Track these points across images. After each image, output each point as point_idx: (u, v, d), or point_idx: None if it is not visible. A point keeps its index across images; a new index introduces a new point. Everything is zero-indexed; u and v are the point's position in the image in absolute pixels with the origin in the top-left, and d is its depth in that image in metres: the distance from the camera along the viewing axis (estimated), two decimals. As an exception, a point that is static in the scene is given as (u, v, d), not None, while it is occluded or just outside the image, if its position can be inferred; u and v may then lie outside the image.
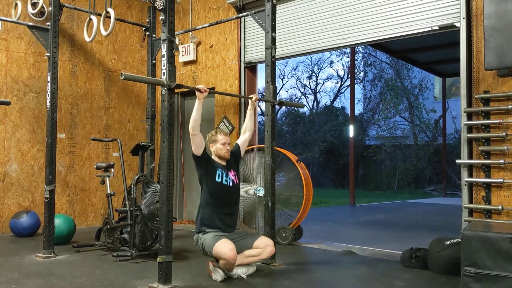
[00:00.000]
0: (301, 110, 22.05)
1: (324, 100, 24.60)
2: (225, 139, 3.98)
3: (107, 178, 5.17)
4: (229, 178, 3.95)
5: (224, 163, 4.00)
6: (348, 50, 17.02)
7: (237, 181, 4.05)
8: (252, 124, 4.32)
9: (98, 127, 6.98)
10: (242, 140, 4.26)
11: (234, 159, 4.13)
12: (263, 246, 3.87)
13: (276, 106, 4.87)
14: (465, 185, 4.65)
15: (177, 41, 6.77)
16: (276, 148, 4.71)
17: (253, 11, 4.78)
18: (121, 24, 7.14)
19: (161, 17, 3.66)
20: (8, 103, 4.30)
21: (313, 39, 6.01)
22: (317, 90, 23.82)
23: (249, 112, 4.34)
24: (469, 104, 4.67)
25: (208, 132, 4.11)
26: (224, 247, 3.61)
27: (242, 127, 4.38)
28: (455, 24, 4.84)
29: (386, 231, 7.07)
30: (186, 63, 7.39)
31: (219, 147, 3.96)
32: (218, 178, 3.87)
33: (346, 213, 10.40)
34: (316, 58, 23.08)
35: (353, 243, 5.61)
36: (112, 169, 5.24)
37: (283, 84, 23.85)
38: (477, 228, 3.47)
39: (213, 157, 4.00)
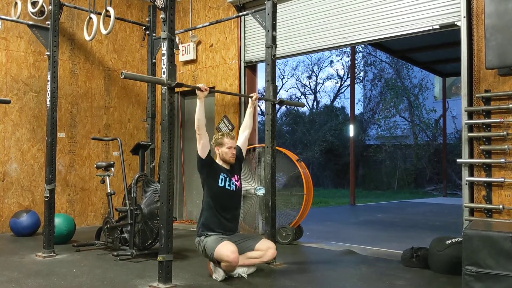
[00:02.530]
0: (301, 110, 22.05)
1: (324, 100, 24.62)
2: (232, 143, 3.94)
3: (107, 177, 5.17)
4: (232, 183, 3.93)
5: (228, 167, 3.98)
6: (348, 49, 17.01)
7: (240, 185, 4.04)
8: (252, 122, 4.30)
9: (98, 127, 6.97)
10: (242, 139, 4.22)
11: (238, 162, 4.10)
12: (265, 248, 3.86)
13: (277, 106, 4.86)
14: (466, 184, 4.64)
15: (177, 40, 6.75)
16: (276, 147, 4.70)
17: (254, 10, 4.77)
18: (121, 23, 7.14)
19: (161, 16, 3.65)
20: (8, 102, 4.29)
21: (313, 38, 6.00)
22: (317, 90, 23.84)
23: (249, 110, 4.33)
24: (470, 103, 4.66)
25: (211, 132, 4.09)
26: (226, 249, 3.60)
27: (242, 125, 4.34)
28: (455, 23, 4.83)
29: (387, 231, 7.06)
30: (186, 63, 7.38)
31: (225, 151, 3.93)
32: (221, 182, 3.85)
33: (346, 213, 10.40)
34: (316, 57, 23.11)
35: (353, 242, 5.60)
36: (112, 168, 5.23)
37: (283, 84, 23.86)
38: (478, 227, 3.46)
39: (217, 160, 3.98)
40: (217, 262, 3.72)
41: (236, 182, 3.97)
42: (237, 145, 4.13)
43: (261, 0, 5.27)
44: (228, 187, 3.89)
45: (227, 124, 6.68)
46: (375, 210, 10.56)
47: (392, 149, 18.88)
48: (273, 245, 3.94)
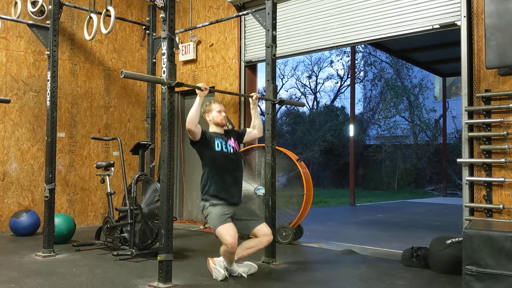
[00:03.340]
0: (301, 109, 22.05)
1: (324, 99, 24.64)
2: (220, 107, 3.99)
3: (107, 177, 5.16)
4: (229, 145, 3.92)
5: (222, 131, 3.99)
6: (348, 49, 17.02)
7: (238, 148, 4.02)
8: (260, 123, 4.25)
9: (98, 126, 6.96)
10: (251, 130, 4.23)
11: (237, 134, 4.12)
12: (262, 235, 3.83)
13: (277, 105, 4.86)
14: (466, 184, 4.64)
15: (177, 39, 6.74)
16: (276, 147, 4.70)
17: (254, 10, 4.76)
18: (121, 23, 7.13)
19: (161, 15, 3.65)
20: (8, 101, 4.29)
21: (313, 38, 6.00)
22: (317, 90, 23.84)
23: (252, 111, 4.31)
24: (470, 102, 4.66)
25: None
26: (227, 234, 3.58)
27: (251, 125, 4.31)
28: (456, 22, 4.83)
29: (387, 231, 7.06)
30: (186, 62, 7.38)
31: (215, 115, 3.96)
32: (218, 147, 3.84)
33: (346, 213, 10.39)
34: (316, 57, 23.12)
35: (353, 242, 5.60)
36: (112, 168, 5.23)
37: (283, 84, 23.87)
38: (478, 226, 3.46)
39: (210, 128, 3.99)
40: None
41: (233, 145, 3.96)
42: (245, 128, 4.21)
43: (261, 0, 5.27)
44: (226, 150, 3.88)
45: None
46: (375, 210, 10.55)
47: (392, 149, 18.87)
48: (270, 232, 3.90)
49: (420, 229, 7.22)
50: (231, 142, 3.95)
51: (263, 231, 3.85)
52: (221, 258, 3.78)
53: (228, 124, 4.08)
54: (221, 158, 3.83)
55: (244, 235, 3.89)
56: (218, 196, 3.77)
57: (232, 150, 3.92)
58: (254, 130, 4.25)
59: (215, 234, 3.71)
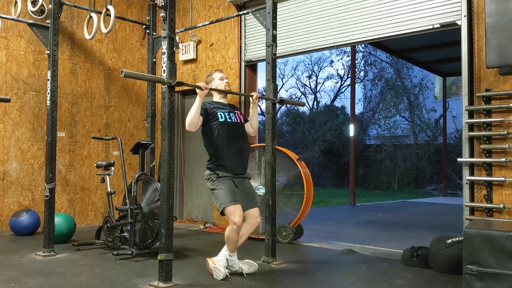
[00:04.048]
0: (301, 109, 22.06)
1: (324, 99, 24.63)
2: (221, 74, 4.03)
3: (107, 177, 5.16)
4: (233, 116, 3.92)
5: (226, 102, 4.01)
6: (348, 49, 17.03)
7: (242, 119, 4.02)
8: (256, 123, 4.24)
9: (98, 126, 6.96)
10: (247, 127, 4.18)
11: (242, 115, 4.12)
12: (250, 217, 3.82)
13: (277, 105, 4.85)
14: (467, 183, 4.64)
15: (177, 39, 6.74)
16: (276, 147, 4.69)
17: (254, 9, 4.76)
18: (121, 22, 7.13)
19: (161, 14, 3.64)
20: (8, 100, 4.29)
21: (313, 37, 5.99)
22: (317, 90, 23.84)
23: (251, 110, 4.30)
24: (471, 102, 4.65)
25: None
26: (235, 213, 3.62)
27: (248, 122, 4.31)
28: (456, 22, 4.82)
29: (387, 230, 7.06)
30: (186, 62, 7.37)
31: (218, 82, 3.98)
32: (221, 118, 3.84)
33: (347, 213, 10.39)
34: (316, 57, 23.12)
35: (354, 242, 5.60)
36: (113, 168, 5.23)
37: (283, 84, 23.87)
38: (479, 226, 3.45)
39: (214, 98, 4.00)
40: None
41: (237, 115, 3.96)
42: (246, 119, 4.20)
43: (262, -1, 5.27)
44: (230, 120, 3.88)
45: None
46: (375, 210, 10.56)
47: (392, 148, 18.87)
48: (258, 214, 3.88)
49: (420, 229, 7.22)
50: (236, 113, 3.97)
51: (253, 214, 3.84)
52: (220, 257, 3.78)
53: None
54: (225, 128, 3.83)
55: None
56: (223, 165, 3.77)
57: (236, 120, 3.93)
58: (250, 129, 4.24)
59: (220, 210, 3.70)
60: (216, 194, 3.75)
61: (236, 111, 4.01)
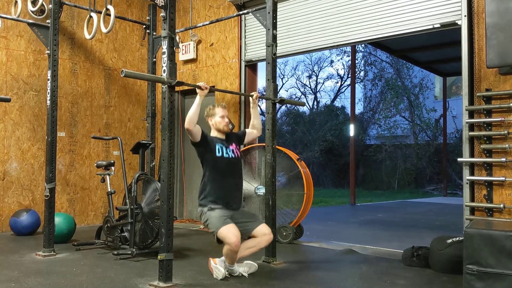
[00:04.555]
0: (301, 109, 22.05)
1: (324, 99, 24.62)
2: (223, 112, 3.96)
3: (108, 176, 5.16)
4: (230, 151, 3.90)
5: (223, 137, 3.97)
6: (348, 49, 17.02)
7: (239, 154, 4.01)
8: (259, 122, 4.26)
9: (98, 126, 6.96)
10: (251, 131, 4.23)
11: (237, 137, 4.11)
12: (261, 235, 3.83)
13: (277, 105, 4.85)
14: (467, 183, 4.63)
15: (177, 38, 6.74)
16: (276, 146, 4.69)
17: (254, 9, 4.76)
18: (121, 22, 7.13)
19: (161, 14, 3.64)
20: (8, 100, 4.29)
21: (313, 37, 5.99)
22: (317, 90, 23.84)
23: (252, 110, 4.31)
24: (471, 102, 4.65)
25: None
26: (230, 233, 3.58)
27: (250, 124, 4.31)
28: (456, 22, 4.82)
29: (387, 230, 7.05)
30: (186, 62, 7.37)
31: (218, 120, 3.93)
32: (219, 152, 3.83)
33: (347, 213, 10.39)
34: (316, 57, 23.11)
35: (354, 242, 5.59)
36: (113, 167, 5.22)
37: (283, 84, 23.86)
38: (479, 226, 3.45)
39: (212, 132, 3.97)
40: (217, 241, 3.73)
41: (234, 150, 3.95)
42: (243, 130, 4.24)
43: (262, -1, 5.26)
44: (226, 155, 3.86)
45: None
46: (376, 210, 10.55)
47: (392, 148, 18.87)
48: (270, 231, 3.90)
49: (420, 229, 7.21)
50: (232, 147, 3.94)
51: (262, 231, 3.85)
52: (222, 258, 3.78)
53: (229, 125, 4.06)
54: (222, 163, 3.83)
55: (244, 237, 3.88)
56: (216, 201, 3.76)
57: (233, 156, 3.91)
58: (253, 130, 4.25)
59: (216, 237, 3.69)
60: (208, 225, 3.74)
61: (232, 143, 3.98)
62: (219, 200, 3.76)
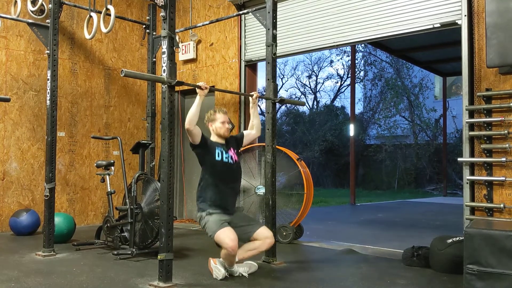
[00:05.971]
0: (301, 109, 22.05)
1: (324, 99, 24.61)
2: (224, 117, 3.96)
3: (107, 176, 5.15)
4: (229, 155, 3.91)
5: (223, 141, 3.97)
6: (348, 49, 17.02)
7: (237, 159, 4.02)
8: (259, 122, 4.26)
9: (98, 126, 6.96)
10: (248, 132, 4.24)
11: (236, 141, 4.11)
12: (263, 238, 3.83)
13: (277, 105, 4.85)
14: (467, 183, 4.63)
15: (177, 38, 6.74)
16: (276, 146, 4.69)
17: (254, 8, 4.76)
18: (121, 22, 7.13)
19: (161, 14, 3.64)
20: (8, 100, 4.28)
21: (313, 37, 5.99)
22: (317, 90, 23.83)
23: (252, 110, 4.31)
24: (471, 102, 4.65)
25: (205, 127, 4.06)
26: (226, 237, 3.58)
27: (249, 124, 4.32)
28: (456, 21, 4.82)
29: (387, 230, 7.05)
30: (186, 62, 7.37)
31: (218, 126, 3.93)
32: (218, 156, 3.83)
33: (347, 212, 10.39)
34: (316, 57, 23.10)
35: (354, 241, 5.59)
36: (113, 167, 5.22)
37: (283, 83, 23.85)
38: (479, 226, 3.45)
39: (212, 137, 3.97)
40: (216, 245, 3.73)
41: (232, 155, 3.95)
42: (241, 132, 4.26)
43: (262, -1, 5.26)
44: (226, 160, 3.87)
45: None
46: (376, 210, 10.55)
47: (392, 148, 18.86)
48: (271, 235, 3.91)
49: (420, 229, 7.21)
50: (231, 153, 3.94)
51: (264, 234, 3.85)
52: (222, 259, 3.77)
53: (228, 124, 4.06)
54: (221, 168, 3.83)
55: (244, 241, 3.88)
56: (214, 205, 3.77)
57: (231, 161, 3.92)
58: (252, 131, 4.25)
59: (214, 240, 3.70)
60: (206, 228, 3.75)
61: (230, 148, 3.97)
62: (218, 205, 3.77)
